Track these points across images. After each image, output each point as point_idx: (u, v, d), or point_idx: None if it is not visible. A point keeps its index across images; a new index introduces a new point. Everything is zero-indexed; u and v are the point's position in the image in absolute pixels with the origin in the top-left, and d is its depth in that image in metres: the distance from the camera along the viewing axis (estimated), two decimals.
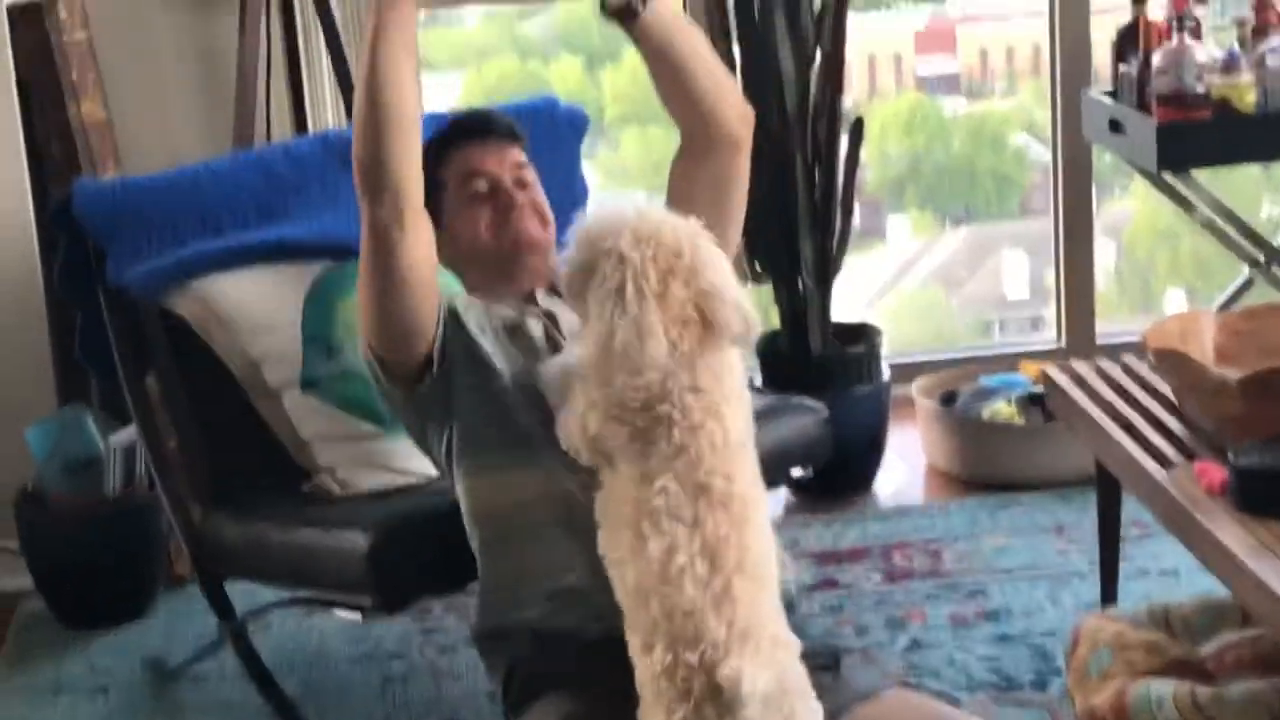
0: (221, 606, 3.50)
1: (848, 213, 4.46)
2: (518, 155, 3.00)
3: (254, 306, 3.35)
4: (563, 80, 5.61)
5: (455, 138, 3.01)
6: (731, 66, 4.43)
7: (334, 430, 3.34)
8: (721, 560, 2.42)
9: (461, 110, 3.11)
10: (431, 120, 2.94)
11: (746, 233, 4.47)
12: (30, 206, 4.15)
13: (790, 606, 2.61)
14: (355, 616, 3.24)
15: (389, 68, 2.69)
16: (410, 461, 3.33)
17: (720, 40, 4.42)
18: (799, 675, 2.44)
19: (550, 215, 2.97)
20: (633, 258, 2.44)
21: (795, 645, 2.46)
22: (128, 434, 3.88)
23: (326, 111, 4.48)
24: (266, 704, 3.47)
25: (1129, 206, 6.17)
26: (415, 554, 3.11)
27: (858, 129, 4.43)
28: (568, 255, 2.52)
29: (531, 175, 2.99)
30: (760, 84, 4.40)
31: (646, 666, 2.42)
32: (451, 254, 2.95)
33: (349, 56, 4.34)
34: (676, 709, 2.37)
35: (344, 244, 3.45)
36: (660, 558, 2.41)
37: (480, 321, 2.85)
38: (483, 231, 2.93)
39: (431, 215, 2.84)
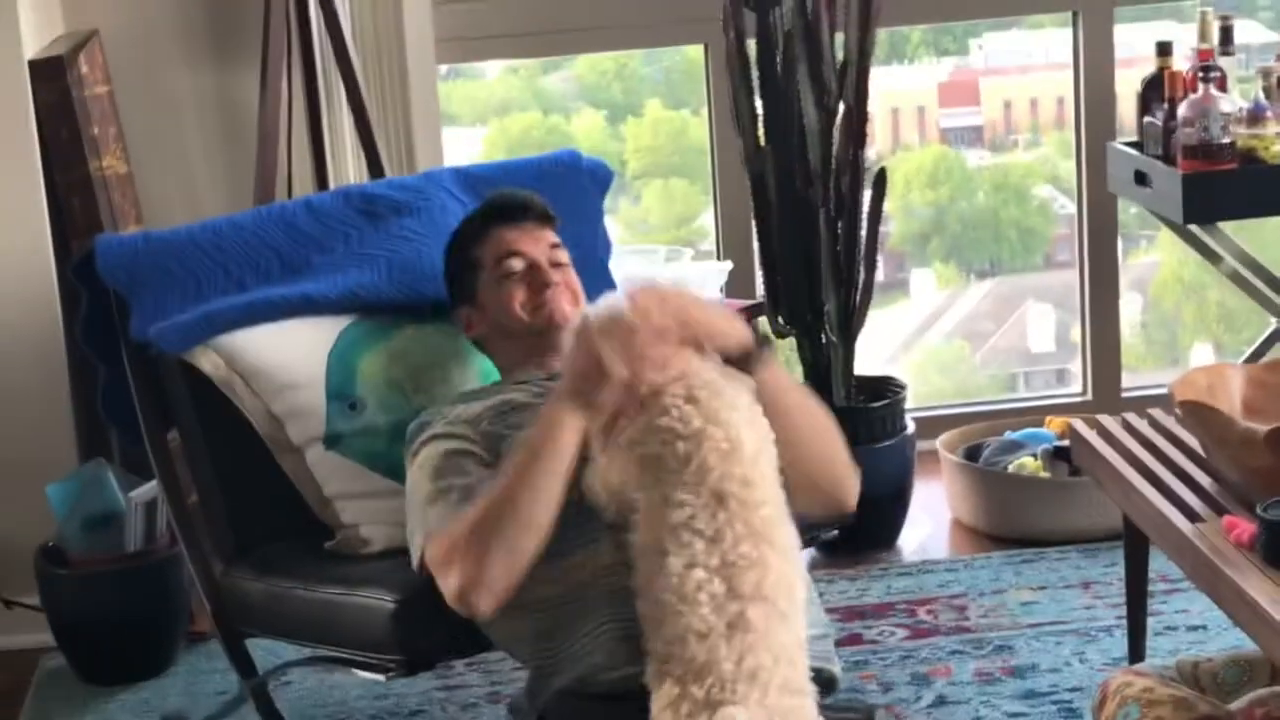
0: (242, 664, 3.50)
1: (871, 266, 4.47)
2: (552, 237, 3.16)
3: (277, 362, 3.36)
4: (585, 134, 5.64)
5: (492, 218, 3.18)
6: (754, 120, 4.45)
7: (358, 487, 3.35)
8: (739, 582, 2.44)
9: (498, 193, 3.28)
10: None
11: (770, 286, 4.54)
12: (52, 261, 4.17)
13: (829, 685, 2.62)
14: (378, 676, 3.23)
15: (536, 508, 2.66)
16: None
17: (743, 94, 4.45)
18: None
19: (582, 294, 3.12)
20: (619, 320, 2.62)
21: (810, 693, 2.47)
22: (149, 490, 3.89)
23: (348, 167, 4.51)
24: None
25: (1155, 259, 6.17)
26: (442, 614, 3.07)
27: (880, 182, 4.44)
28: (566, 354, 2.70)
29: (565, 256, 3.14)
30: (783, 137, 4.43)
31: (657, 699, 2.44)
32: (483, 330, 3.15)
33: (370, 113, 4.37)
34: None
35: (368, 300, 3.48)
36: (679, 573, 2.45)
37: (492, 433, 2.92)
38: (517, 309, 3.08)
39: (464, 292, 3.09)
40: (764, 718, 2.40)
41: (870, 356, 4.89)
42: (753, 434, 2.58)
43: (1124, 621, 3.61)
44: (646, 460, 2.53)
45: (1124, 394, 5.22)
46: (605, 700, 2.66)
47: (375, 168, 4.34)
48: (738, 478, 2.50)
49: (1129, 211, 5.39)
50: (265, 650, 3.77)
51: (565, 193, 3.72)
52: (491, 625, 2.85)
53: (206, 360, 3.37)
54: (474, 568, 2.65)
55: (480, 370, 3.45)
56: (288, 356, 3.37)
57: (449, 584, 2.70)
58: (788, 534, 2.55)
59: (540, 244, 3.14)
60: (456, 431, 2.92)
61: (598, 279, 3.47)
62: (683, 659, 2.42)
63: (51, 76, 4.13)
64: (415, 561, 2.84)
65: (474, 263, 3.16)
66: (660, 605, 2.47)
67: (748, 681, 2.40)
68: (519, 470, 2.66)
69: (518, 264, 3.11)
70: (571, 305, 3.07)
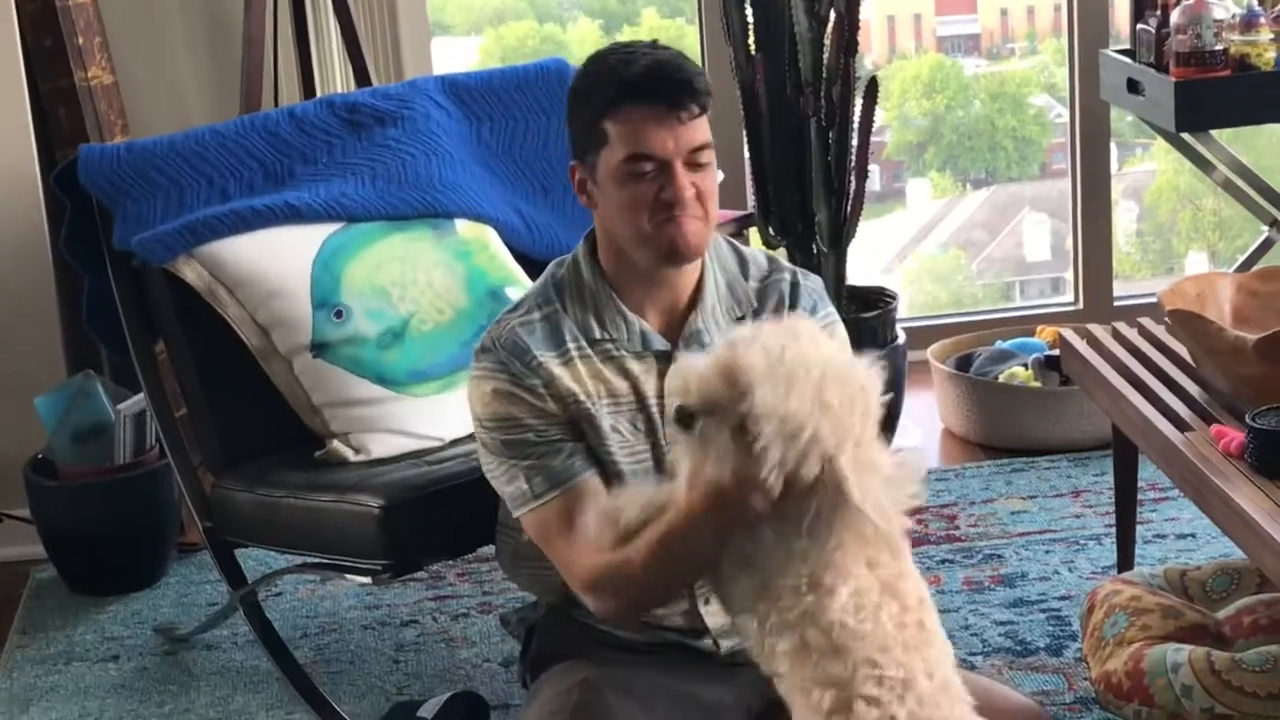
0: (233, 574, 3.51)
1: (862, 176, 4.44)
2: (699, 132, 2.58)
3: (261, 271, 3.35)
4: (580, 43, 5.60)
5: (637, 94, 2.57)
6: (744, 28, 4.41)
7: (346, 395, 3.34)
8: (906, 599, 2.31)
9: (651, 55, 2.59)
10: None
11: (760, 197, 4.52)
12: (37, 172, 4.15)
13: None
14: (366, 580, 3.24)
15: (677, 579, 2.53)
16: (423, 425, 3.33)
17: (733, 2, 4.40)
18: None
19: (715, 206, 2.63)
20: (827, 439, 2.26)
21: (970, 702, 2.34)
22: (137, 402, 3.88)
23: (335, 76, 4.47)
24: (278, 671, 3.47)
25: (1151, 166, 6.14)
26: (427, 518, 3.12)
27: (872, 91, 4.40)
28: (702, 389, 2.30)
29: (708, 156, 2.60)
30: (773, 47, 4.38)
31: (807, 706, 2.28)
32: (592, 207, 2.66)
33: (357, 22, 4.32)
34: None
35: (352, 209, 3.46)
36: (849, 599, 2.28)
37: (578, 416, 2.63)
38: (640, 219, 2.58)
39: (581, 150, 2.62)
40: None
41: (865, 266, 4.88)
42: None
43: (1113, 530, 3.61)
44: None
45: (1116, 303, 5.20)
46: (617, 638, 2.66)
47: (361, 77, 4.30)
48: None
49: (1125, 120, 5.36)
50: (256, 560, 3.78)
51: (553, 102, 3.70)
52: (501, 553, 2.85)
53: (190, 270, 3.35)
54: (606, 604, 2.57)
55: (466, 278, 3.44)
56: (272, 265, 3.36)
57: (586, 597, 2.58)
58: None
59: (681, 142, 2.56)
60: (522, 393, 2.60)
61: None
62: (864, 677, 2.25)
63: None
64: (516, 514, 2.64)
65: (600, 135, 2.58)
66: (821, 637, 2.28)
67: (943, 692, 2.27)
68: (652, 566, 2.45)
69: (649, 168, 2.56)
70: (701, 231, 2.60)
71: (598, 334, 2.63)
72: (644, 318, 2.65)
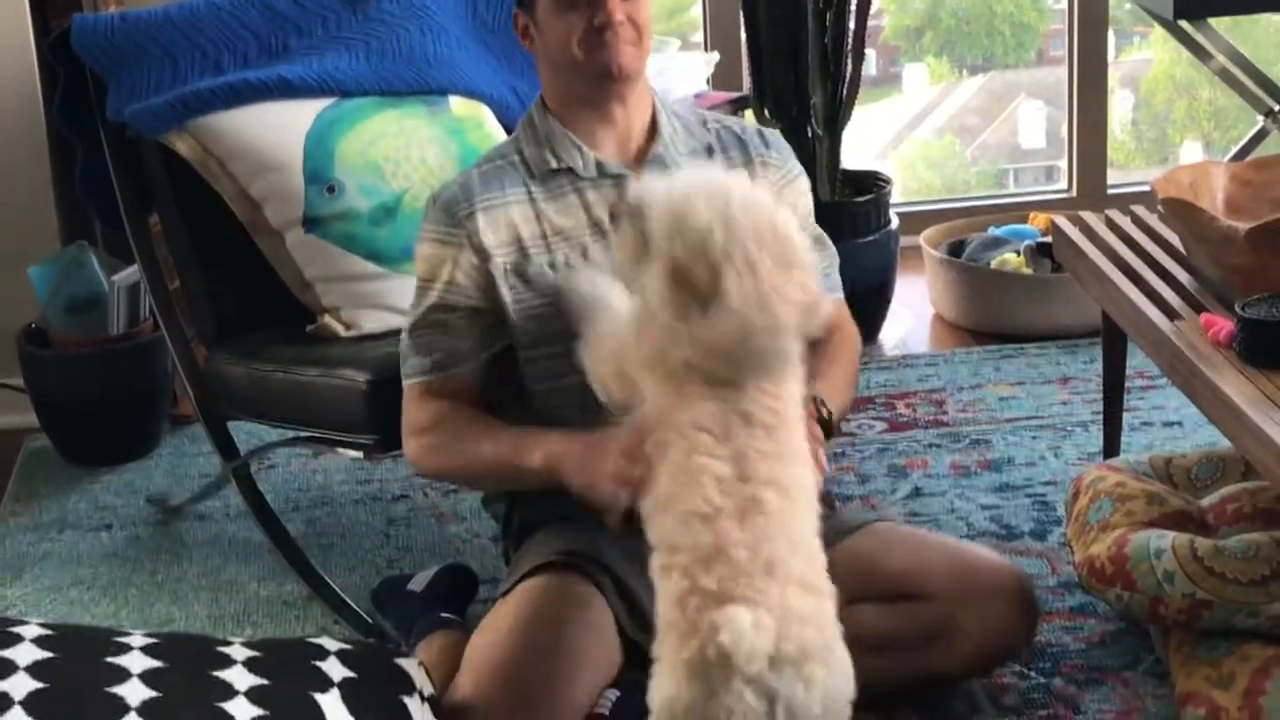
0: (225, 446, 3.51)
1: (859, 59, 4.41)
2: None
3: (254, 145, 3.33)
4: None
5: None
6: None
7: (337, 270, 3.33)
8: (750, 468, 2.23)
9: None
10: None
11: (756, 78, 4.49)
12: (32, 43, 4.11)
13: (830, 506, 2.60)
14: (357, 454, 3.24)
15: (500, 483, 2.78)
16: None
17: None
18: (828, 632, 2.21)
19: (649, 30, 2.70)
20: (745, 248, 2.24)
21: (830, 595, 2.25)
22: (131, 273, 3.87)
23: None
24: (270, 543, 3.48)
25: (1148, 55, 6.11)
26: None
27: None
28: (635, 225, 2.31)
29: None
30: None
31: (662, 595, 2.23)
32: (536, 51, 2.74)
33: None
34: (681, 647, 2.16)
35: (345, 84, 3.44)
36: (684, 456, 2.25)
37: (524, 267, 2.70)
38: (573, 46, 2.66)
39: (524, 4, 2.72)
40: (776, 620, 2.15)
41: (860, 151, 4.85)
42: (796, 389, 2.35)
43: (1100, 417, 3.61)
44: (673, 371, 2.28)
45: (1111, 191, 5.18)
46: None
47: None
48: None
49: (1123, 7, 5.31)
50: (248, 433, 3.78)
51: None
52: None
53: (183, 143, 3.33)
54: (428, 463, 2.77)
55: (460, 155, 3.42)
56: (265, 138, 3.34)
57: (407, 445, 2.79)
58: (803, 451, 2.33)
59: None
60: (444, 250, 2.68)
61: None
62: (690, 545, 2.19)
63: None
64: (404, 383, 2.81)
65: None
66: (664, 492, 2.26)
67: (764, 575, 2.15)
68: (500, 467, 2.66)
69: None
70: (634, 54, 2.67)
71: (554, 164, 2.72)
72: (599, 151, 2.74)
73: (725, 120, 2.88)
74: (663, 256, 2.27)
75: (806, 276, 2.30)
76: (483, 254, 2.68)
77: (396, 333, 3.27)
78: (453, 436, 2.70)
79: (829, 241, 2.89)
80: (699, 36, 5.13)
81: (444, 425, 2.71)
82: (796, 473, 2.29)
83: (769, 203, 2.34)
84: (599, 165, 2.72)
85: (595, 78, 2.68)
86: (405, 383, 2.77)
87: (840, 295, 2.89)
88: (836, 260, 2.90)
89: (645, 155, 2.75)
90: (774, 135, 2.87)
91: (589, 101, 2.72)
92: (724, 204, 2.27)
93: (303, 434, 3.34)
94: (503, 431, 2.68)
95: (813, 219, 2.87)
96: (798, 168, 2.87)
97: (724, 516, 2.20)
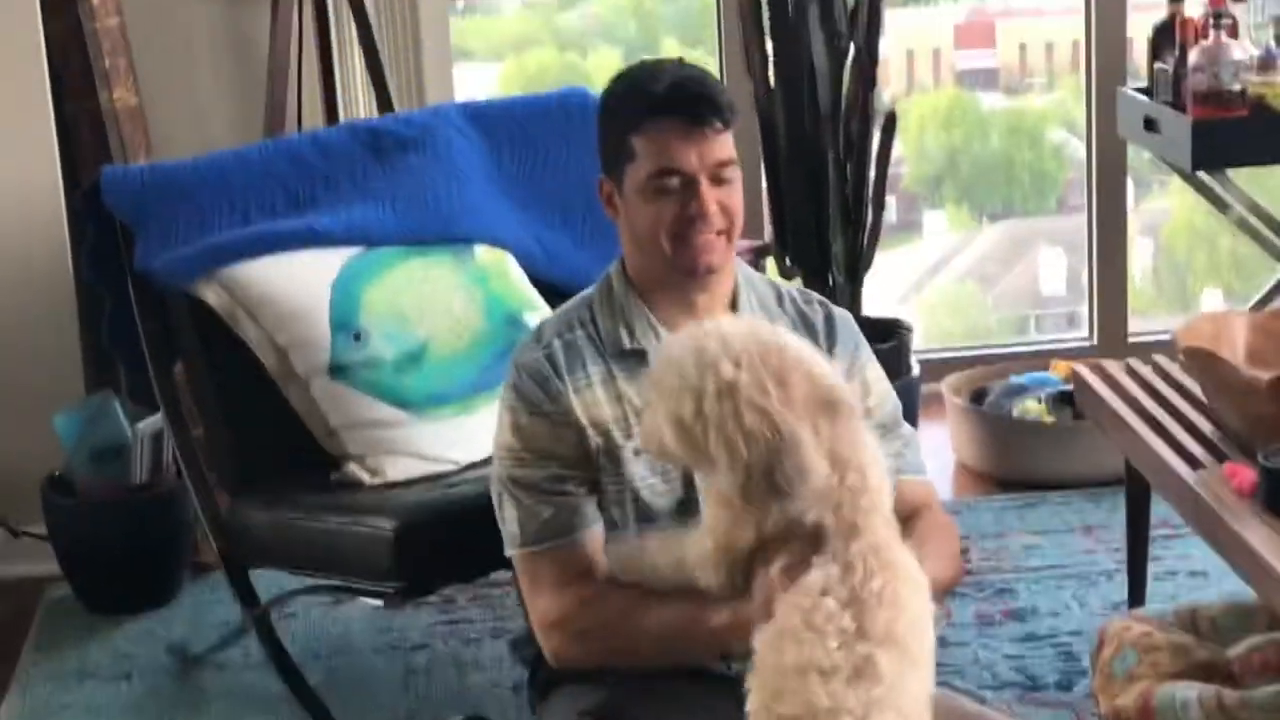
0: (246, 594, 3.51)
1: (879, 208, 4.44)
2: (723, 148, 2.58)
3: (281, 293, 3.36)
4: (601, 72, 5.61)
5: (663, 108, 2.57)
6: (764, 61, 4.42)
7: (363, 417, 3.35)
8: (870, 622, 2.16)
9: (679, 72, 2.60)
10: None
11: (777, 227, 4.52)
12: (61, 193, 4.16)
13: None
14: (378, 602, 3.24)
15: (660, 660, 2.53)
16: (439, 449, 3.34)
17: (754, 34, 4.41)
18: None
19: (740, 217, 2.62)
20: (741, 379, 2.24)
21: None
22: (156, 421, 3.89)
23: (358, 103, 4.49)
24: (290, 692, 3.47)
25: (1167, 204, 6.14)
26: (439, 540, 3.13)
27: (890, 124, 4.41)
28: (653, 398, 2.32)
29: (733, 173, 2.60)
30: (793, 79, 4.39)
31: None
32: (617, 219, 2.66)
33: (381, 48, 4.34)
34: None
35: (372, 234, 3.48)
36: (812, 596, 2.19)
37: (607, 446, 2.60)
38: (661, 236, 2.57)
39: (609, 164, 2.63)
40: None
41: (882, 298, 4.87)
42: (882, 479, 2.33)
43: (1125, 567, 3.60)
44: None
45: (1131, 339, 5.19)
46: None
47: (385, 103, 4.32)
48: (865, 508, 2.25)
49: (1143, 156, 5.35)
50: (269, 581, 3.77)
51: (574, 131, 3.70)
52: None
53: (210, 292, 3.36)
54: (576, 652, 2.57)
55: (485, 303, 3.45)
56: (291, 287, 3.37)
57: (547, 637, 2.58)
58: (916, 568, 2.28)
59: (707, 158, 2.56)
60: (540, 423, 2.58)
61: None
62: (799, 698, 2.12)
63: (62, 8, 4.12)
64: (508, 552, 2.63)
65: (627, 150, 2.59)
66: (779, 633, 2.18)
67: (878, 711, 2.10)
68: (668, 641, 2.49)
69: (674, 182, 2.56)
70: (723, 250, 2.59)
71: (627, 344, 2.63)
72: (669, 325, 2.63)
73: (798, 296, 2.77)
74: (664, 411, 2.29)
75: (813, 371, 2.30)
76: (581, 431, 2.58)
77: (422, 480, 3.31)
78: (605, 620, 2.52)
79: (904, 424, 2.75)
80: None
81: (590, 609, 2.53)
82: (916, 617, 2.21)
83: (762, 327, 2.36)
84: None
85: (683, 270, 2.59)
86: (522, 551, 2.58)
87: (924, 478, 2.75)
88: (915, 442, 2.76)
89: None
90: (842, 321, 2.75)
91: (671, 285, 2.63)
92: (699, 335, 2.30)
93: (324, 582, 3.34)
94: (662, 601, 2.47)
95: (891, 403, 2.74)
96: (865, 353, 2.76)
97: (839, 677, 2.13)
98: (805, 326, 2.71)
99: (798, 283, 4.53)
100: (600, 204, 2.68)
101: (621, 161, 2.60)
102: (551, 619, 2.55)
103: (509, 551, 2.61)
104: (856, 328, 2.76)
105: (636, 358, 2.61)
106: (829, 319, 2.74)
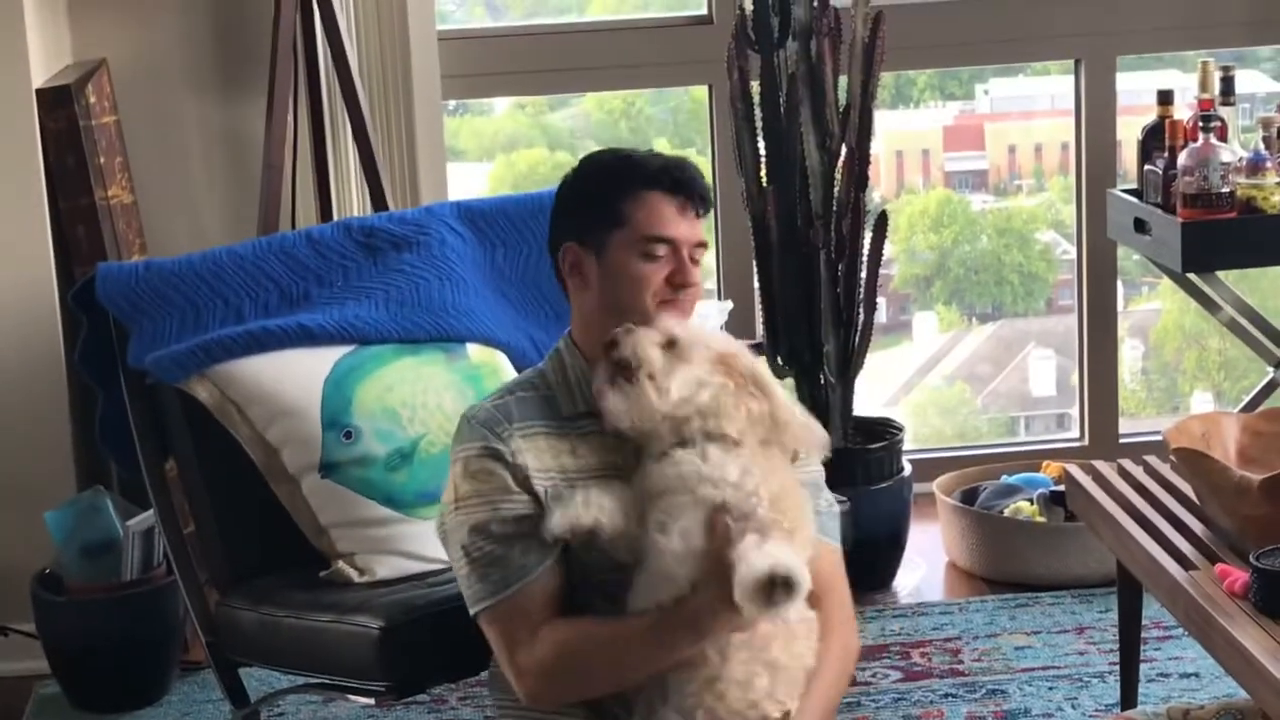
0: (236, 692, 3.48)
1: (870, 308, 4.47)
2: (701, 231, 2.77)
3: (273, 391, 3.36)
4: None
5: (656, 182, 2.74)
6: (756, 161, 4.45)
7: (353, 516, 3.34)
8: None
9: (669, 157, 2.80)
10: None
11: (769, 326, 4.54)
12: (55, 288, 4.17)
13: None
14: (368, 701, 3.22)
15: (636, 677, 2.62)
16: (429, 548, 3.31)
17: (746, 135, 4.45)
18: None
19: (699, 296, 2.80)
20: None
21: None
22: (146, 518, 3.88)
23: (352, 199, 4.51)
24: None
25: (1157, 305, 6.15)
26: (428, 639, 3.12)
27: (881, 225, 4.44)
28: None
29: (703, 256, 2.78)
30: (784, 179, 4.43)
31: None
32: (586, 287, 2.75)
33: (375, 146, 4.36)
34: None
35: (365, 332, 3.47)
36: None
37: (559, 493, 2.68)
38: (647, 297, 2.70)
39: (582, 232, 2.74)
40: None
41: (871, 398, 4.88)
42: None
43: (1117, 667, 3.59)
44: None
45: (1122, 440, 5.20)
46: None
47: (379, 201, 4.34)
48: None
49: (1132, 258, 5.38)
50: (259, 680, 3.76)
51: None
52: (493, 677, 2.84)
53: (202, 388, 3.36)
54: (555, 694, 2.65)
55: (477, 400, 3.44)
56: (283, 384, 3.37)
57: (523, 683, 2.65)
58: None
59: (692, 236, 2.74)
60: (492, 463, 2.67)
61: None
62: None
63: (59, 105, 4.13)
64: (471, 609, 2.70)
65: (616, 215, 2.71)
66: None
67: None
68: (644, 663, 2.58)
69: (662, 250, 2.71)
70: (691, 312, 2.76)
71: (582, 406, 2.72)
72: None
73: None
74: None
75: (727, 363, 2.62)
76: (523, 471, 2.65)
77: (411, 579, 3.29)
78: (578, 660, 2.61)
79: (827, 492, 2.84)
80: (709, 283, 5.19)
81: (561, 653, 2.61)
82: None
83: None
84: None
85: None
86: (479, 609, 2.66)
87: (835, 544, 2.81)
88: (835, 513, 2.83)
89: None
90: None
91: None
92: None
93: (314, 680, 3.32)
94: (622, 625, 2.59)
95: (816, 466, 2.82)
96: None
97: None
98: None
99: (790, 383, 4.55)
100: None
101: (607, 226, 2.72)
102: (531, 670, 2.62)
103: (473, 611, 2.67)
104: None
105: (587, 419, 2.71)
106: None
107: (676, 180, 2.74)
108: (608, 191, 2.73)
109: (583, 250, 2.74)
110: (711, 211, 2.81)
